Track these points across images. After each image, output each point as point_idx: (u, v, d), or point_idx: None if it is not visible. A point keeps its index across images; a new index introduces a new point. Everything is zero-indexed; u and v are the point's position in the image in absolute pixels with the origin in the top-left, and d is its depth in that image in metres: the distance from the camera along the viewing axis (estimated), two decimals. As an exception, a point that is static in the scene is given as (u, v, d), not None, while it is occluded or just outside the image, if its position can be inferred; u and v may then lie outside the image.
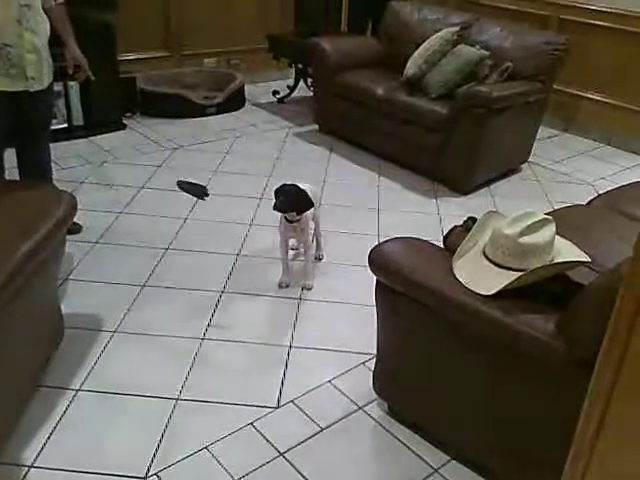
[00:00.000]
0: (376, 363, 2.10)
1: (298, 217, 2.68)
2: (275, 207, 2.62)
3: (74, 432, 1.98)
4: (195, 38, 5.32)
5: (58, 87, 3.97)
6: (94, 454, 1.90)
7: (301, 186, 2.80)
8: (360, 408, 2.16)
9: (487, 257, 1.73)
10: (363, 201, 3.70)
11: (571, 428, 1.13)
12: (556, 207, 2.91)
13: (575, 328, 1.48)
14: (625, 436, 0.84)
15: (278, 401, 2.17)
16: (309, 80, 5.33)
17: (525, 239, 1.65)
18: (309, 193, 2.77)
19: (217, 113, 4.95)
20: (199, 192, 2.08)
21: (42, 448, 1.91)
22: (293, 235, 2.81)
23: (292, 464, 1.92)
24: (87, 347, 2.35)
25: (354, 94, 4.28)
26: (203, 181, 3.76)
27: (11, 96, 2.56)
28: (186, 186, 2.10)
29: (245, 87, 5.26)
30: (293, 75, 5.50)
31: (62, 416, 2.03)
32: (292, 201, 2.63)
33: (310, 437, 2.03)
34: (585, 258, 1.70)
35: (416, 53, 4.17)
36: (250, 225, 3.32)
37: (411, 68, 4.15)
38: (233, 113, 5.06)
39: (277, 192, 2.68)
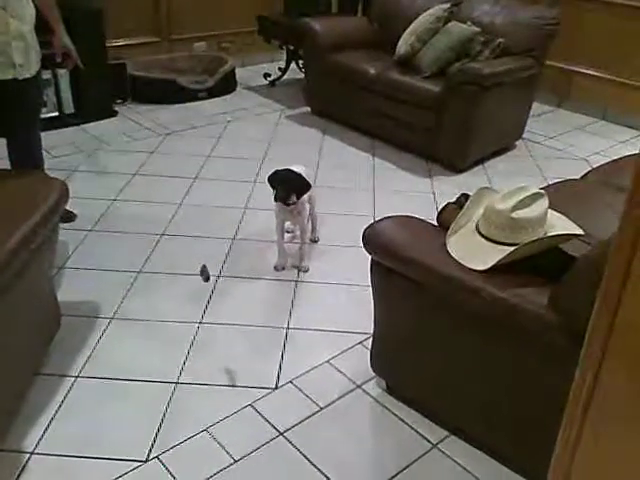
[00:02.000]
0: (373, 342, 2.11)
1: (296, 200, 2.67)
2: (277, 198, 2.61)
3: (74, 418, 1.99)
4: (184, 22, 5.27)
5: (47, 75, 3.94)
6: (95, 440, 1.92)
7: (294, 168, 2.79)
8: (358, 387, 2.18)
9: (480, 233, 1.73)
10: (357, 182, 3.69)
11: (563, 398, 1.14)
12: (550, 183, 2.90)
13: (568, 300, 1.48)
14: (615, 405, 0.85)
15: (277, 382, 2.18)
16: (300, 62, 5.29)
17: (518, 213, 1.65)
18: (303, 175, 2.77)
19: (208, 97, 4.92)
20: (205, 274, 2.27)
21: (43, 435, 1.92)
22: (289, 218, 2.81)
23: (292, 443, 1.93)
24: (85, 334, 2.35)
25: (346, 75, 4.26)
26: (196, 166, 3.77)
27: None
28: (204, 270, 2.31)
29: (236, 70, 5.22)
30: (284, 57, 5.46)
31: (62, 403, 2.04)
32: (292, 187, 2.62)
33: (309, 417, 2.04)
34: (578, 231, 1.70)
35: (407, 31, 4.14)
36: (244, 209, 3.31)
37: (402, 47, 4.13)
38: (224, 97, 5.03)
39: (272, 180, 2.66)
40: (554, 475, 0.92)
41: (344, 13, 5.39)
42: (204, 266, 2.31)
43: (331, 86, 4.41)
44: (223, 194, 3.45)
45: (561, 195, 2.09)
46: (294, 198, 2.64)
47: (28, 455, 1.85)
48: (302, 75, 5.09)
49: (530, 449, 1.75)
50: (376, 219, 2.05)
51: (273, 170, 2.68)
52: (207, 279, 2.28)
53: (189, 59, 5.26)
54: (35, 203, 1.92)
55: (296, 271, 2.82)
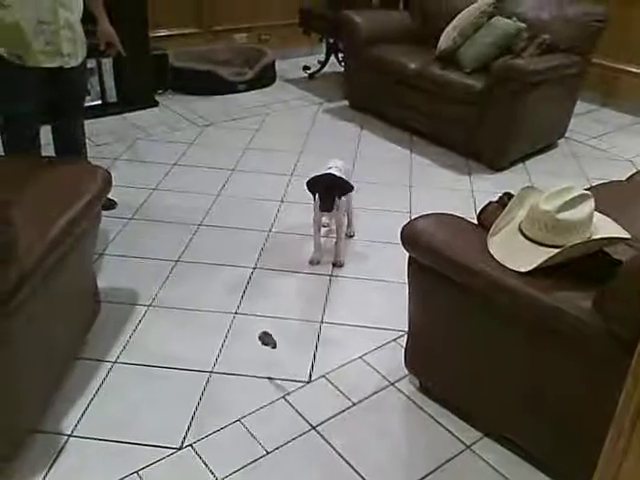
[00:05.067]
0: (408, 340, 2.10)
1: (339, 200, 2.65)
2: (324, 208, 2.59)
3: (111, 403, 2.03)
4: (225, 13, 5.30)
5: (91, 64, 4.01)
6: (130, 425, 1.95)
7: (331, 164, 2.78)
8: (391, 384, 2.17)
9: (523, 233, 1.70)
10: (395, 178, 3.67)
11: (606, 406, 1.11)
12: (593, 184, 2.84)
13: (613, 305, 1.44)
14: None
15: (310, 376, 2.18)
16: (340, 55, 5.27)
17: (563, 215, 1.61)
18: (341, 170, 2.75)
19: (248, 89, 4.94)
20: (271, 342, 2.17)
21: (80, 418, 1.96)
22: (327, 213, 2.79)
23: (324, 438, 1.94)
24: (123, 321, 2.39)
25: (386, 69, 4.23)
26: (234, 158, 3.79)
27: (47, 73, 2.58)
28: (265, 338, 2.19)
29: (276, 63, 5.23)
30: (324, 50, 5.45)
31: (99, 387, 2.08)
32: (336, 193, 2.59)
33: (342, 411, 2.04)
34: (625, 234, 1.66)
35: (450, 26, 4.08)
36: (281, 202, 3.32)
37: (445, 41, 4.08)
38: (264, 89, 5.04)
39: (312, 186, 2.62)
40: (598, 485, 0.90)
41: (386, 6, 5.35)
42: (268, 335, 2.21)
43: (371, 80, 4.38)
44: (260, 186, 3.47)
45: (606, 197, 2.04)
46: (337, 200, 2.63)
47: (66, 437, 1.89)
48: (341, 68, 5.08)
49: (568, 455, 1.72)
50: (413, 216, 2.04)
51: (312, 176, 2.66)
52: (265, 343, 2.18)
53: (229, 51, 5.28)
54: (79, 191, 1.95)
55: (331, 266, 2.81)
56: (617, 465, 0.85)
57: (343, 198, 2.79)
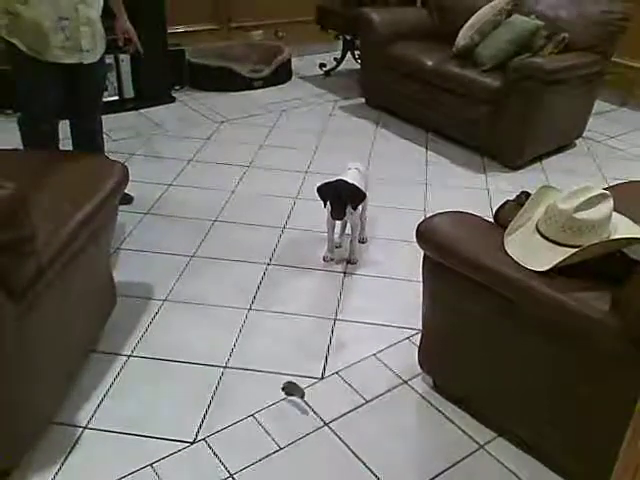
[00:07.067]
0: (422, 338, 2.09)
1: (353, 211, 2.62)
2: (335, 217, 2.56)
3: (126, 396, 2.04)
4: (242, 10, 5.31)
5: (109, 60, 4.02)
6: (145, 418, 1.96)
7: (350, 165, 2.75)
8: (405, 382, 2.16)
9: (540, 233, 1.69)
10: (410, 176, 3.65)
11: (622, 406, 1.10)
12: (611, 184, 2.81)
13: (631, 306, 1.43)
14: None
15: (323, 372, 2.18)
16: (356, 52, 5.26)
17: (581, 214, 1.59)
18: (360, 172, 2.72)
19: (264, 86, 4.95)
20: (298, 392, 2.07)
21: (95, 410, 1.98)
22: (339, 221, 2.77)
23: (337, 434, 1.94)
24: (138, 315, 2.41)
25: (403, 66, 4.21)
26: (250, 155, 3.80)
27: (65, 68, 2.60)
28: (290, 388, 2.08)
29: (292, 60, 5.23)
30: (340, 47, 5.44)
31: (114, 380, 2.10)
32: (347, 200, 2.54)
33: (354, 409, 2.04)
34: (644, 235, 1.64)
35: (468, 24, 4.06)
36: (295, 199, 3.32)
37: (462, 39, 4.05)
38: (280, 86, 5.05)
39: (323, 192, 2.57)
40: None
41: (403, 3, 5.33)
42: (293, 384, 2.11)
43: (387, 77, 4.36)
44: (275, 183, 3.47)
45: (625, 197, 2.01)
46: (350, 209, 2.59)
47: (81, 429, 1.91)
48: (358, 66, 5.07)
49: (582, 456, 1.70)
50: (428, 214, 2.03)
51: (322, 182, 2.61)
52: (290, 393, 2.08)
53: (246, 47, 5.29)
54: (97, 185, 1.97)
55: (344, 263, 2.81)
56: (635, 465, 0.84)
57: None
